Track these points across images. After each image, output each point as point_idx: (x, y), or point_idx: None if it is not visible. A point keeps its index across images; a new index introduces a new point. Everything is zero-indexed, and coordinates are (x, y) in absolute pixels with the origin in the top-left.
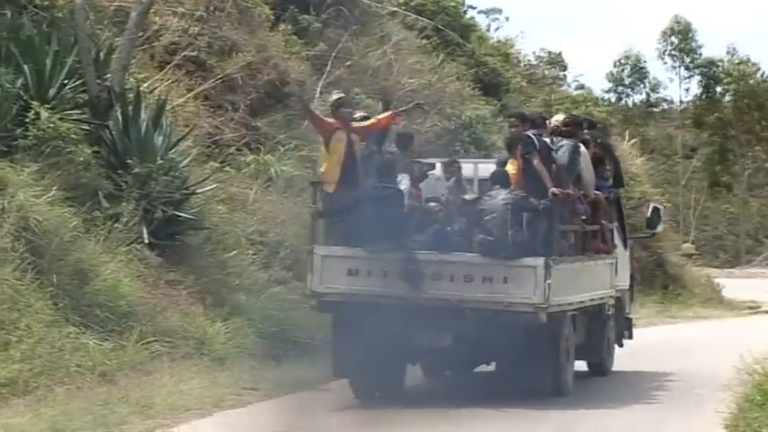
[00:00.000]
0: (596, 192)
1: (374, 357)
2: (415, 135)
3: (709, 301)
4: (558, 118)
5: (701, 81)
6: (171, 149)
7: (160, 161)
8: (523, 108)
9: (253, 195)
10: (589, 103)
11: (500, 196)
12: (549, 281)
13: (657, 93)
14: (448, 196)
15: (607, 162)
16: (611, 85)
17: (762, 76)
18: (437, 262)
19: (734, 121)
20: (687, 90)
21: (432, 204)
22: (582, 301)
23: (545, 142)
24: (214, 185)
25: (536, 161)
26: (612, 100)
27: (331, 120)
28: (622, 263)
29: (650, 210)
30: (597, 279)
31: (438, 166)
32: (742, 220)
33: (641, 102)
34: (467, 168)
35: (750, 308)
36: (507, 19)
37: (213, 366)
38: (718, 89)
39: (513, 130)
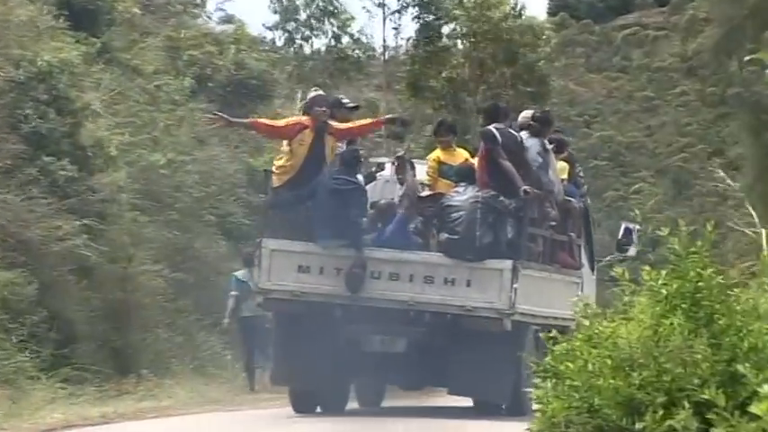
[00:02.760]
0: (567, 198)
1: (319, 363)
2: None
3: None
4: (526, 113)
5: (418, 19)
6: None
7: None
8: None
9: None
10: (243, 47)
11: (467, 194)
12: (515, 285)
13: (353, 36)
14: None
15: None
16: (277, 19)
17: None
18: (395, 261)
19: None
20: (397, 31)
21: (388, 201)
22: (546, 317)
23: (513, 136)
24: None
25: (501, 158)
26: (279, 43)
27: (293, 120)
28: (589, 286)
29: (621, 230)
30: (562, 297)
31: (388, 167)
32: None
33: (329, 47)
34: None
35: None
36: None
37: None
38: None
39: (481, 125)
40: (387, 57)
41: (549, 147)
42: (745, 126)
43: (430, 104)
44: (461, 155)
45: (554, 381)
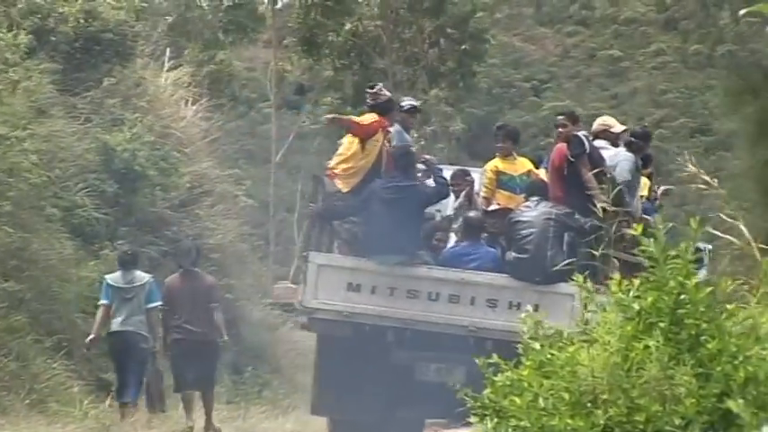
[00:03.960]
0: (645, 216)
1: (366, 392)
2: None
3: None
4: (605, 121)
5: None
6: None
7: None
8: None
9: None
10: None
11: (539, 209)
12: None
13: None
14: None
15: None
16: None
17: None
18: (455, 282)
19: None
20: None
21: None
22: None
23: (596, 148)
24: None
25: (585, 168)
26: None
27: (372, 117)
28: None
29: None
30: None
31: (446, 174)
32: None
33: None
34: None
35: None
36: None
37: None
38: None
39: (560, 131)
40: (279, 3)
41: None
42: (738, 92)
43: (329, 64)
44: (523, 164)
45: (495, 420)
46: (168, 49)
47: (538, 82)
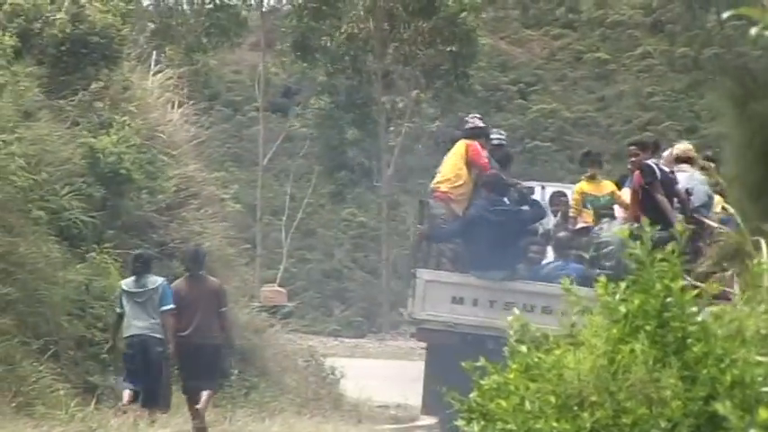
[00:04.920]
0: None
1: (468, 394)
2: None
3: (314, 404)
4: (683, 147)
5: None
6: None
7: None
8: None
9: None
10: None
11: (614, 228)
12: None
13: None
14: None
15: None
16: None
17: None
18: (548, 295)
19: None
20: None
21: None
22: None
23: (666, 173)
24: None
25: (658, 193)
26: None
27: (478, 149)
28: None
29: None
30: None
31: (538, 190)
32: (384, 244)
33: None
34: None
35: (395, 420)
36: None
37: None
38: None
39: (632, 159)
40: (266, 7)
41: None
42: (726, 96)
43: (322, 69)
44: (607, 186)
45: (482, 423)
46: (155, 53)
47: (524, 85)
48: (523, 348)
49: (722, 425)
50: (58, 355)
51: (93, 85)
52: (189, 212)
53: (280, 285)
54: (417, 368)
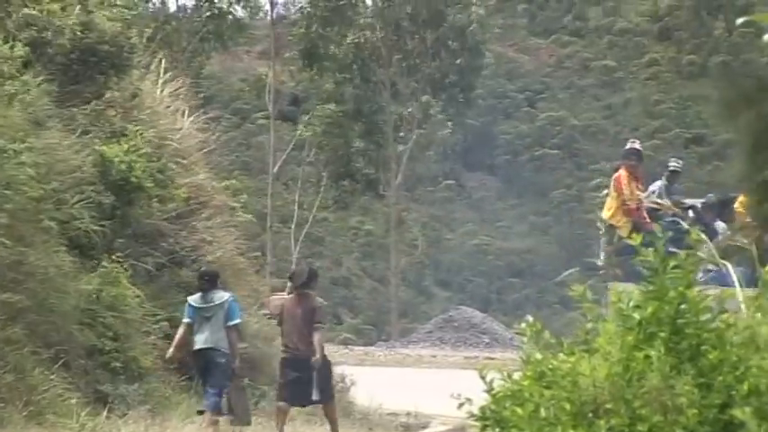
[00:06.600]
0: None
1: None
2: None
3: (321, 412)
4: None
5: None
6: None
7: None
8: None
9: None
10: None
11: None
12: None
13: None
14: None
15: None
16: None
17: None
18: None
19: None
20: None
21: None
22: None
23: None
24: None
25: None
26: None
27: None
28: None
29: None
30: None
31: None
32: (393, 252)
33: (199, 3)
34: None
35: (405, 427)
36: None
37: None
38: None
39: None
40: (275, 15)
41: None
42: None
43: (330, 77)
44: None
45: (497, 430)
46: (163, 61)
47: (532, 92)
48: (538, 355)
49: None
50: (68, 364)
51: (105, 94)
52: (199, 221)
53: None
54: (427, 376)
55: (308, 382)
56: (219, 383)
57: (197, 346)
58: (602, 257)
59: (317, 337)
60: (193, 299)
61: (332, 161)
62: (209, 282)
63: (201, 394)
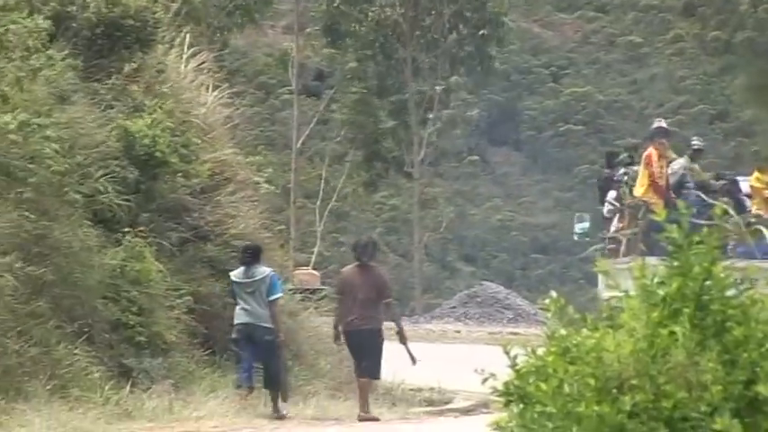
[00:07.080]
0: None
1: None
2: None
3: (347, 387)
4: None
5: None
6: None
7: None
8: None
9: None
10: None
11: None
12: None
13: None
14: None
15: None
16: None
17: None
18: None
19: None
20: None
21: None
22: None
23: None
24: None
25: None
26: None
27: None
28: None
29: None
30: None
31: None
32: (417, 227)
33: None
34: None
35: (428, 403)
36: None
37: None
38: None
39: None
40: None
41: None
42: (758, 81)
43: (353, 54)
44: None
45: (521, 406)
46: (188, 36)
47: (557, 68)
48: (562, 331)
49: (763, 409)
50: (92, 338)
51: (127, 68)
52: (223, 196)
53: (313, 268)
54: (450, 351)
55: (370, 355)
56: (265, 359)
57: (238, 321)
58: (611, 230)
59: (392, 313)
60: (235, 274)
61: (360, 141)
62: (251, 255)
63: (233, 368)
